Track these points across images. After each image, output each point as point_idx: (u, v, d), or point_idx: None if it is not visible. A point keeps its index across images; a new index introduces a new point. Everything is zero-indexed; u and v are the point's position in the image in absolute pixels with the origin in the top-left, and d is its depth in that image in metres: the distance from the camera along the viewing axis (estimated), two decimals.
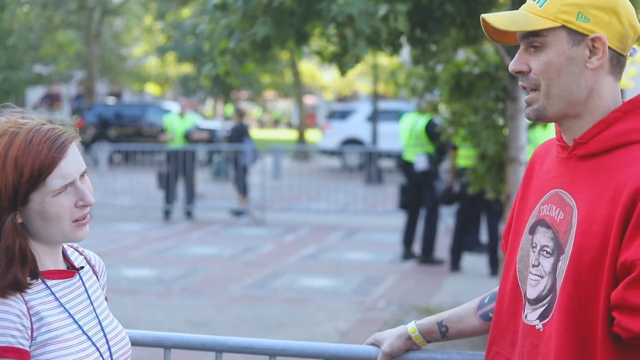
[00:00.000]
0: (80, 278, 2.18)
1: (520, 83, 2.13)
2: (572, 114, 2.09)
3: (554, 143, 2.22)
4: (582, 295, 2.00)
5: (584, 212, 2.03)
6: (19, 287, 1.99)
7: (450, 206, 11.39)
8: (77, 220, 2.07)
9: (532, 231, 2.17)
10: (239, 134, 16.08)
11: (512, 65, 2.12)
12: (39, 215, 2.03)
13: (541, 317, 2.09)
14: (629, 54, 2.10)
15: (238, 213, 15.28)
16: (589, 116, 2.08)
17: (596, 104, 2.08)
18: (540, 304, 2.10)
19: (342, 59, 6.72)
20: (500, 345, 2.24)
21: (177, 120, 15.55)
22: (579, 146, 2.09)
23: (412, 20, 6.67)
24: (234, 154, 15.88)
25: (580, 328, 2.00)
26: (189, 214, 15.26)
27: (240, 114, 17.01)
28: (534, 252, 2.15)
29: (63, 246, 2.18)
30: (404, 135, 11.22)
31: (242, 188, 15.46)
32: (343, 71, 6.97)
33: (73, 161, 2.06)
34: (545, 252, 2.11)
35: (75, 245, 2.28)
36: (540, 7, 2.07)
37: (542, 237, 2.13)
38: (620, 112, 2.07)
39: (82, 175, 2.08)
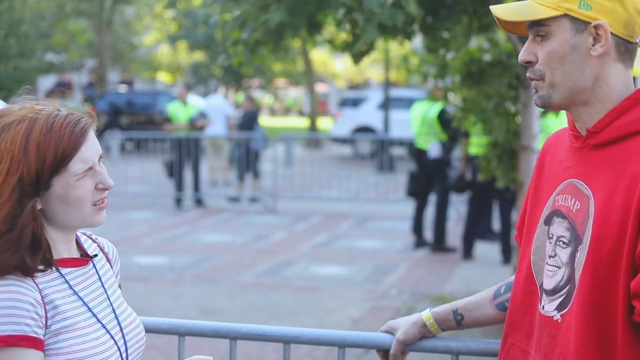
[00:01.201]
0: (94, 266, 2.18)
1: (527, 75, 2.13)
2: (579, 101, 2.08)
3: (566, 133, 2.21)
4: (601, 285, 1.98)
5: (601, 202, 2.01)
6: (26, 271, 1.99)
7: (462, 194, 11.37)
8: (96, 204, 2.07)
9: (548, 222, 2.16)
10: (250, 120, 16.19)
11: (521, 55, 2.12)
12: (60, 200, 2.03)
13: (559, 307, 2.08)
14: (637, 41, 2.07)
15: (234, 199, 15.58)
16: (598, 104, 2.07)
17: (604, 92, 2.06)
18: (557, 295, 2.09)
19: (354, 47, 6.69)
20: (516, 338, 2.23)
21: (181, 108, 15.58)
22: (592, 135, 2.07)
23: (424, 7, 6.65)
24: (245, 140, 15.97)
25: (600, 318, 1.99)
26: (198, 202, 15.29)
27: (251, 100, 17.18)
28: (550, 242, 2.13)
29: (77, 234, 2.18)
30: (416, 123, 11.20)
31: (255, 174, 15.58)
32: (356, 60, 6.95)
33: (92, 146, 2.06)
34: (561, 242, 2.10)
35: (88, 232, 2.28)
36: None
37: (558, 228, 2.11)
38: (633, 99, 2.05)
39: (99, 160, 2.09)
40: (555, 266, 2.10)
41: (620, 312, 1.96)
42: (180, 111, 15.49)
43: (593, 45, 2.03)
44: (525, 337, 2.20)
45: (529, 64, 2.11)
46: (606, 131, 2.05)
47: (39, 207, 2.02)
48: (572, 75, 2.05)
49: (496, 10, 2.11)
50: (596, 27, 2.02)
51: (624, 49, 2.06)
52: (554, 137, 2.28)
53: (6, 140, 1.99)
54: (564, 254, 2.08)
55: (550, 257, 2.12)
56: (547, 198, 2.18)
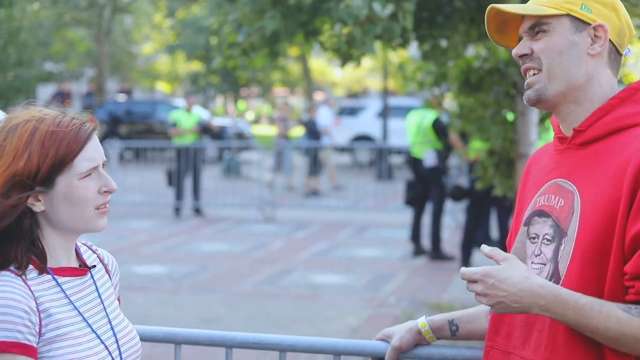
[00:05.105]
0: (92, 277, 2.19)
1: (524, 66, 2.19)
2: (571, 99, 2.15)
3: (550, 145, 2.28)
4: (589, 273, 2.03)
5: (586, 194, 2.07)
6: (6, 262, 2.02)
7: (460, 202, 11.37)
8: (99, 208, 2.10)
9: (527, 223, 2.22)
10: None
11: (515, 49, 2.20)
12: (64, 199, 2.05)
13: None
14: (624, 54, 2.20)
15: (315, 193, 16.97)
16: (587, 103, 2.15)
17: (595, 91, 2.15)
18: None
19: (347, 53, 6.69)
20: (495, 340, 2.26)
21: (185, 115, 15.59)
22: (578, 134, 2.15)
23: (422, 16, 6.65)
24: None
25: None
26: (197, 211, 15.28)
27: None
28: (534, 242, 2.18)
29: (76, 244, 2.19)
30: (411, 132, 11.23)
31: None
32: (345, 62, 6.96)
33: (97, 148, 2.11)
34: (545, 239, 2.15)
35: (89, 243, 2.30)
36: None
37: (542, 227, 2.17)
38: (617, 99, 2.14)
39: (103, 165, 2.12)
40: (541, 264, 2.15)
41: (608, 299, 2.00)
42: (184, 119, 15.50)
43: (591, 45, 2.14)
44: (504, 338, 2.22)
45: (523, 57, 2.18)
46: (592, 129, 2.13)
47: (42, 208, 2.04)
48: (569, 69, 2.14)
49: (500, 6, 2.18)
50: (596, 27, 2.13)
51: (614, 57, 2.18)
52: (538, 151, 2.36)
53: (13, 138, 2.03)
54: (548, 250, 2.14)
55: (536, 255, 2.17)
56: (529, 202, 2.24)
